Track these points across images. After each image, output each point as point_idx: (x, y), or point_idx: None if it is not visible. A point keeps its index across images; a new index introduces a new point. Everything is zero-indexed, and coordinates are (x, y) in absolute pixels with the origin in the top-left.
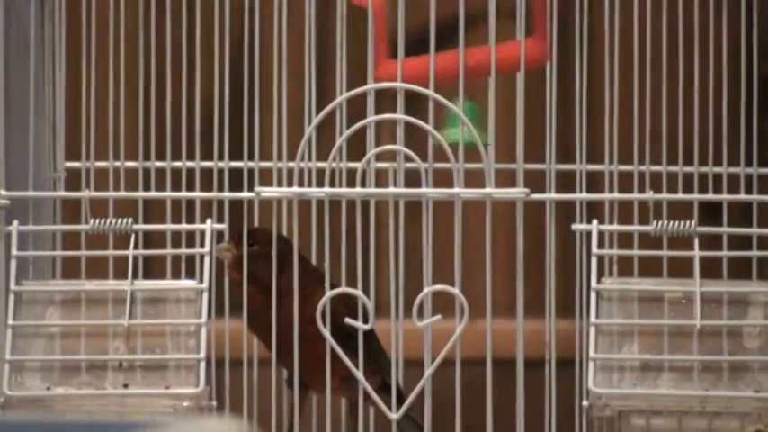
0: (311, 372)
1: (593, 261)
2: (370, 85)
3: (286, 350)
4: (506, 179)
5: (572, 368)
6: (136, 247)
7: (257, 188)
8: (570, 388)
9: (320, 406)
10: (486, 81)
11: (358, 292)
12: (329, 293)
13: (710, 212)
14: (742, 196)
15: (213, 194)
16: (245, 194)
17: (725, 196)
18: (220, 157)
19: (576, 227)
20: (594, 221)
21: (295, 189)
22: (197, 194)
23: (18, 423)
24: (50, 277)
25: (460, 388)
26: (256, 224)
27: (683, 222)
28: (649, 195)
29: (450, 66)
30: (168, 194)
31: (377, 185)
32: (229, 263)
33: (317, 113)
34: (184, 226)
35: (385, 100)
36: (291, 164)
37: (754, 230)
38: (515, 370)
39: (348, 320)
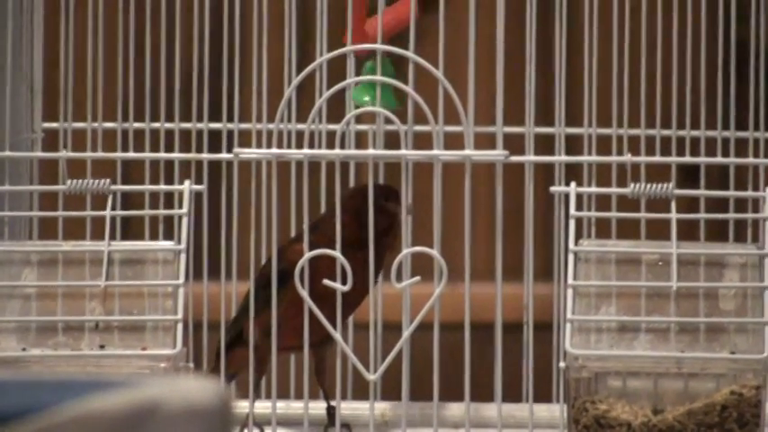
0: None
1: (571, 223)
2: (350, 47)
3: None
4: (486, 142)
5: (550, 332)
6: (114, 208)
7: (236, 149)
8: (548, 351)
9: (298, 365)
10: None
11: (336, 253)
12: (307, 255)
13: (688, 176)
14: (719, 159)
15: (192, 155)
16: (223, 155)
17: (702, 159)
18: (199, 119)
19: (554, 189)
20: (573, 183)
21: (274, 150)
22: (175, 155)
23: None
24: (27, 238)
25: (439, 351)
26: (235, 186)
27: (660, 185)
28: (627, 158)
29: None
30: (146, 155)
31: (356, 147)
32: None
33: (297, 75)
34: (162, 187)
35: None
36: (271, 125)
37: (731, 193)
38: (493, 333)
39: (326, 282)
